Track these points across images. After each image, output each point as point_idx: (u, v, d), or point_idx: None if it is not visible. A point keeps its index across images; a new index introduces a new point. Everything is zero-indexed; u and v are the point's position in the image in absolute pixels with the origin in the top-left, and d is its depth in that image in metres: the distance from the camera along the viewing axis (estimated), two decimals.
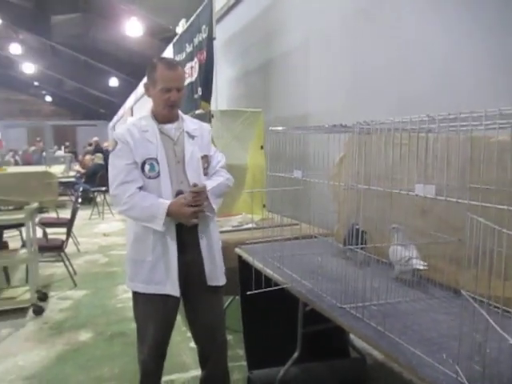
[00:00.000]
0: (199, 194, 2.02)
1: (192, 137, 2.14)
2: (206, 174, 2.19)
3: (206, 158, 2.19)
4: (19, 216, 3.93)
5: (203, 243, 2.11)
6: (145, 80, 2.09)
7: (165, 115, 2.09)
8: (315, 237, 2.14)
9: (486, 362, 1.10)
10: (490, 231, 1.06)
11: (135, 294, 2.12)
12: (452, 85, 2.32)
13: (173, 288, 2.05)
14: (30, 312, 3.88)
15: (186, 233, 2.07)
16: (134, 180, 2.00)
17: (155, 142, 2.04)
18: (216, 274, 2.17)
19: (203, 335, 2.26)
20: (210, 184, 2.13)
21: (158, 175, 2.02)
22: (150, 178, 2.02)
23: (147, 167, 2.02)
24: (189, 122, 2.19)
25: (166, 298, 2.06)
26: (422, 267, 1.83)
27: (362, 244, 1.78)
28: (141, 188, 2.01)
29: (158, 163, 2.03)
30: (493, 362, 1.10)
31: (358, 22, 3.11)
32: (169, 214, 1.97)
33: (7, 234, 5.30)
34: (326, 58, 3.53)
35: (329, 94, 3.50)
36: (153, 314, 2.09)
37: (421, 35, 2.55)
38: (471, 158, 1.32)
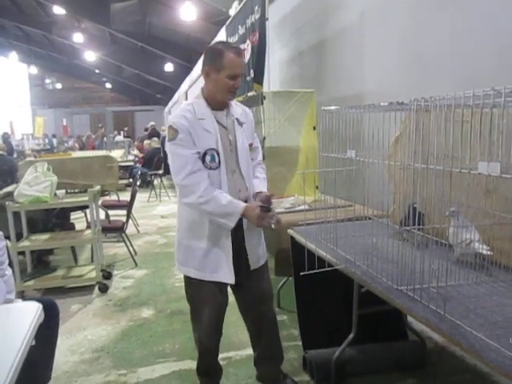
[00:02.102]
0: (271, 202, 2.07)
1: (241, 124, 2.14)
2: (252, 161, 2.22)
3: (251, 146, 2.21)
4: (84, 198, 4.14)
5: (246, 225, 2.11)
6: (205, 64, 2.03)
7: (222, 101, 2.07)
8: (370, 218, 2.09)
9: None
10: None
11: (188, 277, 2.17)
12: None
13: (228, 275, 2.09)
14: (96, 289, 4.10)
15: None
16: (200, 169, 1.99)
17: (213, 131, 2.02)
18: (257, 255, 2.21)
19: (252, 312, 2.31)
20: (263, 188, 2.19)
21: (219, 166, 2.02)
22: (210, 168, 2.01)
23: (208, 158, 2.00)
24: (235, 107, 2.18)
25: (219, 284, 2.12)
26: (485, 252, 1.74)
27: (419, 225, 1.72)
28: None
29: (218, 154, 2.02)
30: None
31: None
32: (243, 214, 1.99)
33: (73, 215, 5.62)
34: (383, 34, 3.39)
35: (385, 73, 3.37)
36: (207, 298, 2.14)
37: (487, 7, 2.38)
38: None
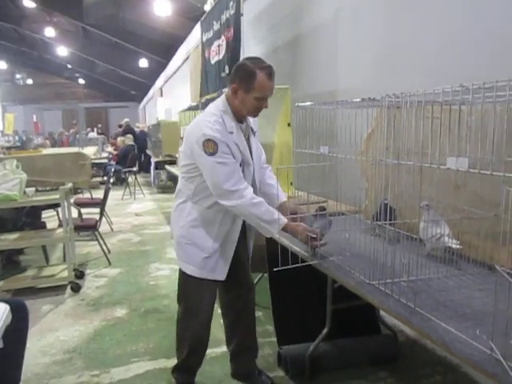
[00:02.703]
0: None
1: (254, 133, 2.16)
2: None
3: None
4: (55, 196, 4.04)
5: (249, 228, 2.20)
6: (234, 81, 1.98)
7: (245, 117, 2.08)
8: (343, 214, 2.11)
9: None
10: None
11: (186, 274, 2.16)
12: (492, 59, 2.20)
13: (221, 274, 2.15)
14: (68, 289, 4.02)
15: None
16: (243, 177, 2.00)
17: (241, 146, 2.01)
18: (251, 248, 2.33)
19: (234, 301, 2.37)
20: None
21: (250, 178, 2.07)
22: None
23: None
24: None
25: (215, 282, 2.17)
26: (455, 246, 1.78)
27: (391, 220, 1.74)
28: None
29: (248, 167, 2.05)
30: None
31: None
32: (286, 227, 1.99)
33: (45, 214, 5.49)
34: (356, 32, 3.42)
35: (358, 70, 3.40)
36: (205, 296, 2.18)
37: (458, 6, 2.43)
38: (509, 130, 1.26)
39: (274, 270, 1.92)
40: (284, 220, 1.98)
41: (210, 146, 1.92)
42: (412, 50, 2.79)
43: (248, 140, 2.10)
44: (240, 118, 2.07)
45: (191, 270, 2.13)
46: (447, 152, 1.38)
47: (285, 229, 1.99)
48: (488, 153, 1.29)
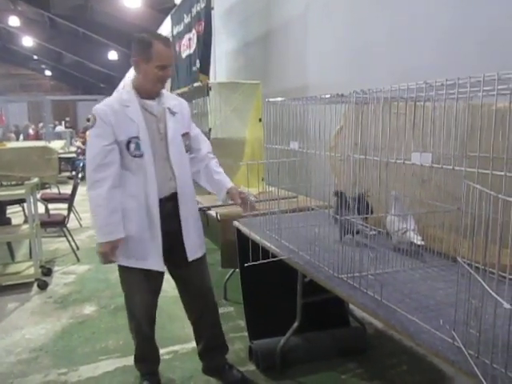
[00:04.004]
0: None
1: (173, 113, 2.13)
2: (187, 151, 2.21)
3: (187, 136, 2.20)
4: (20, 191, 3.93)
5: (183, 215, 2.14)
6: (134, 55, 2.03)
7: (152, 91, 2.07)
8: (313, 209, 2.13)
9: (482, 326, 1.11)
10: (486, 198, 1.04)
11: (120, 266, 2.17)
12: (455, 56, 2.26)
13: (156, 263, 2.11)
14: (35, 286, 3.92)
15: (168, 205, 2.11)
16: (112, 163, 1.98)
17: (137, 120, 2.01)
18: (195, 247, 2.22)
19: (194, 304, 2.34)
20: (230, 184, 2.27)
21: (143, 155, 2.02)
22: (135, 156, 2.01)
23: (132, 146, 2.01)
24: (169, 98, 2.17)
25: (148, 271, 2.12)
26: (419, 242, 1.83)
27: (348, 210, 1.81)
28: (116, 177, 2.02)
29: (141, 142, 2.03)
30: (488, 326, 1.11)
31: None
32: (101, 246, 2.03)
33: (10, 209, 5.33)
34: (326, 28, 3.45)
35: (329, 66, 3.43)
36: (137, 284, 2.16)
37: (424, 3, 2.48)
38: (471, 126, 1.29)
39: (245, 265, 1.93)
40: (114, 236, 2.00)
41: (92, 119, 2.02)
42: (381, 45, 2.84)
43: (164, 119, 2.09)
44: (147, 95, 2.07)
45: (121, 260, 2.12)
46: (412, 147, 1.41)
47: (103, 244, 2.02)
48: (451, 148, 1.33)
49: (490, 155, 1.07)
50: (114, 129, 1.98)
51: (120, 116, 1.99)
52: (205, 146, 2.34)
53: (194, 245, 2.21)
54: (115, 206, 2.00)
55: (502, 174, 1.03)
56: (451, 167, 1.18)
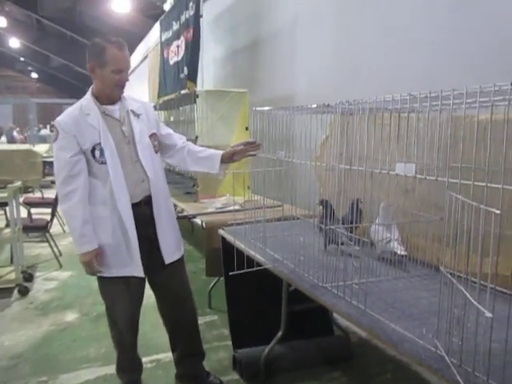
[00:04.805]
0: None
1: (137, 115, 2.11)
2: (156, 152, 2.20)
3: (154, 136, 2.19)
4: (2, 195, 3.86)
5: (158, 218, 2.11)
6: (89, 61, 2.01)
7: (111, 96, 2.05)
8: (298, 218, 2.14)
9: (464, 335, 1.12)
10: (468, 208, 1.06)
11: (99, 278, 2.13)
12: (439, 68, 2.30)
13: (136, 269, 2.08)
14: (16, 292, 3.85)
15: (143, 209, 2.08)
16: (79, 174, 1.97)
17: (98, 126, 1.99)
18: (171, 249, 2.19)
19: (171, 309, 2.31)
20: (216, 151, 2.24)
21: (107, 160, 2.00)
22: (102, 163, 1.99)
23: (97, 153, 1.99)
24: (131, 101, 2.15)
25: (129, 278, 2.10)
26: (401, 252, 1.85)
27: (333, 219, 1.82)
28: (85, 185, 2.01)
29: (117, 148, 2.01)
30: (470, 335, 1.13)
31: (345, 1, 3.06)
32: (81, 257, 2.01)
33: None
34: (314, 38, 3.48)
35: (316, 76, 3.46)
36: (119, 294, 2.13)
37: (410, 17, 2.52)
38: (454, 137, 1.31)
39: (230, 274, 1.92)
40: (86, 248, 2.00)
41: (54, 132, 2.01)
42: (368, 57, 2.87)
43: (129, 122, 2.08)
44: (107, 100, 2.05)
45: (103, 271, 2.09)
46: (397, 158, 1.43)
47: (83, 257, 2.01)
48: (434, 159, 1.35)
49: (472, 166, 1.09)
50: (78, 138, 1.96)
51: (82, 125, 1.98)
52: (180, 139, 2.32)
53: (170, 247, 2.18)
54: (87, 216, 1.98)
55: (484, 184, 1.04)
56: (434, 178, 1.19)
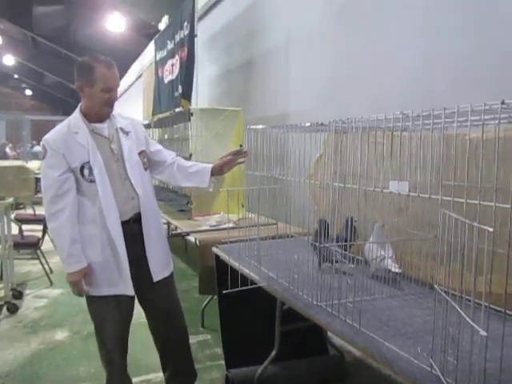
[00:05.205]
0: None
1: (126, 133, 2.12)
2: (146, 169, 2.20)
3: (144, 153, 2.20)
4: None
5: (147, 235, 2.10)
6: (77, 79, 1.99)
7: (100, 114, 2.05)
8: (292, 236, 2.14)
9: (459, 354, 1.11)
10: (461, 226, 1.07)
11: (89, 297, 2.10)
12: (428, 86, 2.34)
13: (126, 287, 2.06)
14: (4, 310, 3.79)
15: (133, 227, 2.07)
16: (67, 192, 1.96)
17: (86, 145, 1.99)
18: (160, 266, 2.18)
19: (161, 327, 2.29)
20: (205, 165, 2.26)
21: (96, 179, 1.99)
22: (91, 181, 1.99)
23: (86, 171, 1.98)
24: (120, 118, 2.16)
25: (119, 297, 2.07)
26: (395, 270, 1.85)
27: (326, 237, 1.82)
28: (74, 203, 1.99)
29: (106, 166, 2.01)
30: (465, 354, 1.12)
31: (338, 22, 3.12)
32: (69, 276, 1.98)
33: None
34: (306, 58, 3.53)
35: (309, 95, 3.50)
36: (108, 313, 2.09)
37: (399, 36, 2.58)
38: (447, 155, 1.33)
39: (224, 292, 1.91)
40: (75, 267, 1.97)
41: (42, 150, 2.00)
42: (360, 76, 2.92)
43: (117, 139, 2.08)
44: (95, 118, 2.05)
45: (90, 291, 2.06)
46: (390, 176, 1.44)
47: (70, 277, 1.98)
48: (427, 177, 1.36)
49: (465, 184, 1.10)
50: (66, 157, 1.96)
51: (70, 143, 1.97)
52: (170, 155, 2.33)
53: (160, 264, 2.17)
54: (75, 235, 1.97)
55: (477, 202, 1.05)
56: (428, 196, 1.20)
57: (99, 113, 2.04)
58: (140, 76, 10.06)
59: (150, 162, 2.25)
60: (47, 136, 2.00)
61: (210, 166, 2.25)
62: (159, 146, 2.35)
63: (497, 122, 1.10)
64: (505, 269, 1.03)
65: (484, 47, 2.05)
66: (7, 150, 16.36)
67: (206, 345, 3.13)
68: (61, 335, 3.38)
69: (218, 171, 2.24)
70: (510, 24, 1.95)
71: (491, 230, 0.95)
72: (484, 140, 1.06)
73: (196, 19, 4.30)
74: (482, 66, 2.06)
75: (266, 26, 4.20)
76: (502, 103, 1.02)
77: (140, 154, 2.16)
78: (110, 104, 2.02)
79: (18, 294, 4.13)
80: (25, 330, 3.47)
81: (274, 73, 4.06)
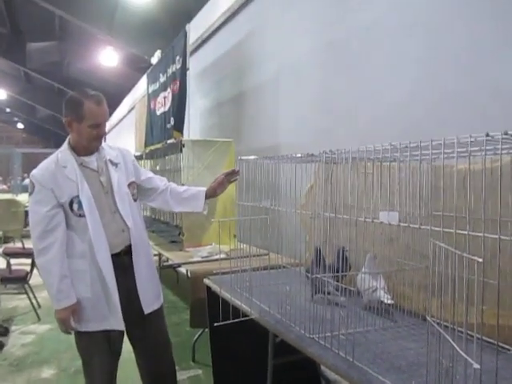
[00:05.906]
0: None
1: (115, 164, 2.12)
2: (135, 200, 2.19)
3: (133, 185, 2.19)
4: None
5: (137, 267, 2.08)
6: (66, 115, 1.99)
7: (88, 148, 2.04)
8: (284, 266, 2.13)
9: None
10: (452, 256, 1.07)
11: (77, 332, 2.05)
12: (416, 120, 2.39)
13: (117, 322, 2.02)
14: None
15: (124, 259, 2.05)
16: (57, 227, 1.94)
17: (75, 178, 1.98)
18: (151, 299, 2.14)
19: (149, 362, 2.23)
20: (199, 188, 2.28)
21: (85, 213, 1.97)
22: (80, 215, 1.97)
23: (75, 206, 1.96)
24: (108, 150, 2.15)
25: (109, 332, 2.03)
26: (388, 301, 1.84)
27: (324, 269, 1.80)
28: (63, 236, 1.96)
29: (96, 198, 2.00)
30: None
31: (326, 56, 3.20)
32: (57, 313, 1.95)
33: None
34: (297, 91, 3.60)
35: (300, 127, 3.56)
36: (98, 349, 2.04)
37: (388, 67, 2.65)
38: (435, 186, 1.35)
39: (215, 324, 1.88)
40: (64, 303, 1.93)
41: (30, 186, 1.99)
42: (348, 108, 2.97)
43: (107, 172, 2.07)
44: (84, 152, 2.04)
45: (79, 327, 2.01)
46: (380, 206, 1.45)
47: (58, 314, 1.95)
48: (417, 207, 1.37)
49: (454, 215, 1.11)
50: (55, 191, 1.94)
51: (59, 177, 1.96)
52: (161, 181, 2.33)
53: (150, 297, 2.13)
54: (64, 271, 1.94)
55: (466, 232, 1.06)
56: (417, 226, 1.21)
57: (88, 147, 2.03)
58: (132, 108, 10.17)
59: (141, 191, 2.25)
60: (35, 171, 1.98)
61: (204, 189, 2.27)
62: (150, 174, 2.35)
63: (483, 153, 1.13)
64: (496, 300, 1.03)
65: (471, 85, 2.11)
66: None
67: (197, 380, 3.05)
68: (47, 373, 3.28)
69: (212, 193, 2.27)
70: (491, 64, 2.02)
71: (480, 260, 0.95)
72: (472, 171, 1.08)
73: (188, 54, 4.39)
74: (468, 102, 2.11)
75: (256, 61, 4.30)
76: (487, 135, 1.05)
77: (129, 185, 2.16)
78: (98, 139, 2.02)
79: (4, 331, 4.02)
80: (10, 368, 3.37)
81: (265, 105, 4.13)
